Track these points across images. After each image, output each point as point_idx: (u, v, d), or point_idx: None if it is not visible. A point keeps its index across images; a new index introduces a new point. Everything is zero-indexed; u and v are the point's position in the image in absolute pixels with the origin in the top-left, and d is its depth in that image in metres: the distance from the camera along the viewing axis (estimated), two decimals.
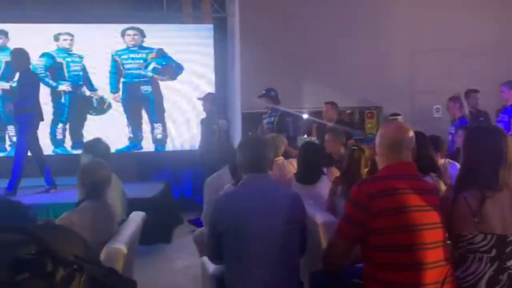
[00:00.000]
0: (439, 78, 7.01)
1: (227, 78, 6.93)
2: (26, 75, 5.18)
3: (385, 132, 1.95)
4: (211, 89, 6.67)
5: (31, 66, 5.34)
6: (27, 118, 5.11)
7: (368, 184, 1.84)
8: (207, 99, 5.76)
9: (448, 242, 1.88)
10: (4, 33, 6.35)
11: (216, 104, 5.83)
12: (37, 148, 5.29)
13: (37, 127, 5.26)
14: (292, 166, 3.80)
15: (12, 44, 6.33)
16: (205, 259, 2.86)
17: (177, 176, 6.84)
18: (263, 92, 5.65)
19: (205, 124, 5.74)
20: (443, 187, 2.88)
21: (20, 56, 5.18)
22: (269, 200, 2.06)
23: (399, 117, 6.74)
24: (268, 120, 5.59)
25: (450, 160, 3.82)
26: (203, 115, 5.91)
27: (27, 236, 1.41)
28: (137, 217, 3.24)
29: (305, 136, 6.97)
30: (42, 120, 5.37)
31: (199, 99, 5.97)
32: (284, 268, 2.03)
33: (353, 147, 3.05)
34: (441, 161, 3.64)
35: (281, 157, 3.81)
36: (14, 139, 6.28)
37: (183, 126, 6.69)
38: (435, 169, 2.98)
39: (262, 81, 6.64)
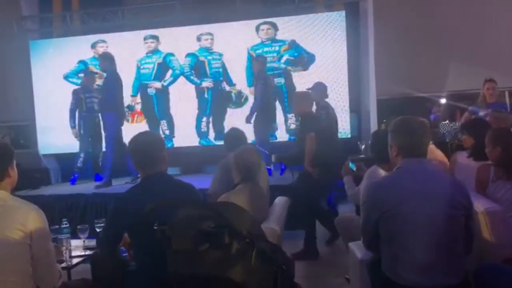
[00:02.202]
0: None
1: (360, 64, 6.75)
2: (111, 77, 5.75)
3: None
4: (343, 76, 6.56)
5: (116, 69, 5.83)
6: (110, 116, 5.70)
7: None
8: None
9: None
10: (156, 38, 7.07)
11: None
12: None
13: (120, 124, 5.85)
14: (439, 151, 3.58)
15: (162, 47, 7.07)
16: (352, 245, 2.84)
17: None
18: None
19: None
20: None
21: (106, 59, 5.79)
22: (429, 184, 1.96)
23: None
24: None
25: None
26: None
27: (208, 211, 1.57)
28: (282, 201, 3.37)
29: (447, 121, 6.45)
30: (125, 120, 6.02)
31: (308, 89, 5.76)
32: (445, 255, 1.92)
33: None
34: None
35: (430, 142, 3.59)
36: (167, 132, 7.01)
37: None
38: None
39: (398, 65, 6.31)
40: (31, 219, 1.93)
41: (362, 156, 5.84)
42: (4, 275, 1.88)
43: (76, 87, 6.54)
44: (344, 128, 6.58)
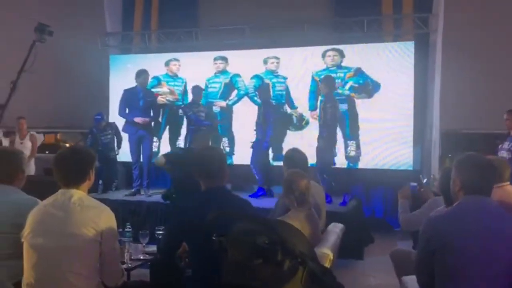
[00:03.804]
0: None
1: (427, 96, 6.59)
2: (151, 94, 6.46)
3: None
4: (408, 107, 6.43)
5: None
6: (148, 131, 6.41)
7: None
8: None
9: None
10: (225, 59, 7.36)
11: None
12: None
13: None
14: None
15: (230, 68, 7.32)
16: (406, 278, 2.78)
17: (368, 194, 6.77)
18: None
19: None
20: None
21: (143, 76, 6.44)
22: (490, 223, 1.91)
23: None
24: None
25: None
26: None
27: (264, 227, 1.64)
28: (336, 228, 3.36)
29: None
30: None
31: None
32: None
33: None
34: None
35: (507, 183, 3.38)
36: (228, 149, 7.22)
37: (377, 144, 6.60)
38: None
39: (465, 100, 6.13)
40: (104, 218, 2.10)
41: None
42: (78, 268, 2.04)
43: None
44: (406, 160, 6.43)
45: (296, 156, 3.67)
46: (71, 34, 6.94)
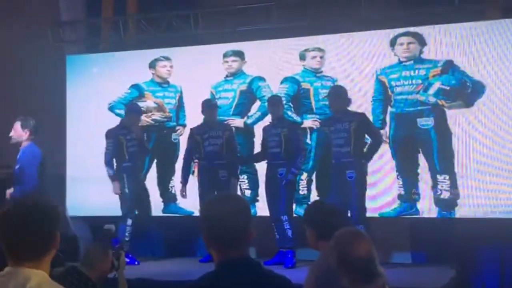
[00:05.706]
0: None
1: None
2: None
3: None
4: None
5: None
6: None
7: None
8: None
9: None
10: (240, 55, 7.26)
11: None
12: None
13: None
14: None
15: (248, 68, 7.25)
16: None
17: (474, 259, 6.38)
18: None
19: None
20: None
21: None
22: None
23: None
24: None
25: None
26: None
27: None
28: None
29: None
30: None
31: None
32: None
33: None
34: None
35: None
36: (248, 193, 7.11)
37: (485, 178, 6.41)
38: None
39: None
40: None
41: None
42: None
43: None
44: None
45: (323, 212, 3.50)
46: (4, 23, 6.86)
